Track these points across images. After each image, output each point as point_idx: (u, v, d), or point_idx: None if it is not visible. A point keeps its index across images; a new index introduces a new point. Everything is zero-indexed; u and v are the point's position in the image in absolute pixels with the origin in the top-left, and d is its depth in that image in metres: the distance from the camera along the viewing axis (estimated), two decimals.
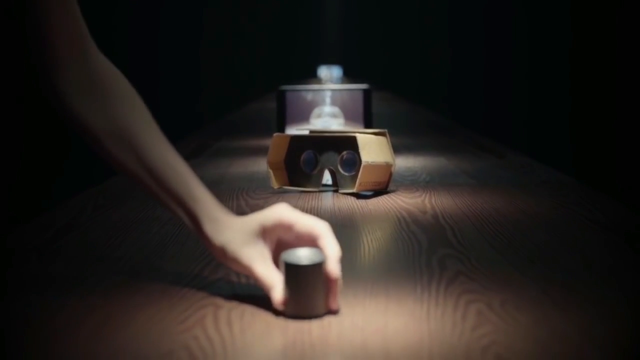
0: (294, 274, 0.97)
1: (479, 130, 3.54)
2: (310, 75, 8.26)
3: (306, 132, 1.95)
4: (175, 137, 3.46)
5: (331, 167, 1.88)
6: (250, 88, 6.78)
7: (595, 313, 1.00)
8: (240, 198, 1.83)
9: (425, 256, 1.29)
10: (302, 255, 0.97)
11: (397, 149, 2.49)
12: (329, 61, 9.43)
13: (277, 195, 1.86)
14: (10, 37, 2.57)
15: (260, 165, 2.36)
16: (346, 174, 1.87)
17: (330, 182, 1.90)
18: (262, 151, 2.58)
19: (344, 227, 1.54)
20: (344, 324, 0.96)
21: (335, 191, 1.88)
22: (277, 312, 1.00)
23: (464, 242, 1.38)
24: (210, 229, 1.08)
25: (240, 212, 1.65)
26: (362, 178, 1.80)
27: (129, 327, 0.96)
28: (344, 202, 1.77)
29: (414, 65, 7.59)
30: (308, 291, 0.97)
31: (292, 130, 2.32)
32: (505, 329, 0.94)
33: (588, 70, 3.63)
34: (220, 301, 1.06)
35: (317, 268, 0.97)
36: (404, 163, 2.37)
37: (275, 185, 1.89)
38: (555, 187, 1.97)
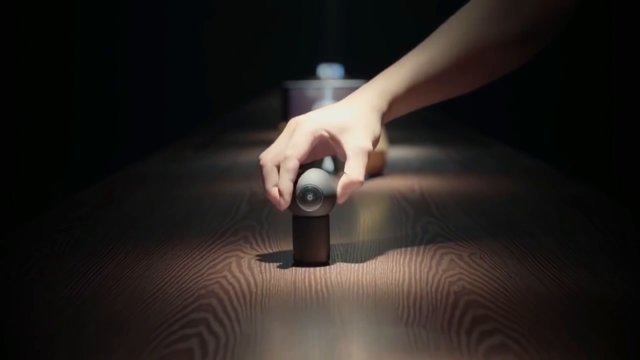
0: (302, 225, 1.20)
1: (473, 127, 3.75)
2: (311, 74, 8.50)
3: None
4: (185, 130, 3.69)
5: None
6: (253, 86, 7.02)
7: (546, 262, 1.24)
8: (252, 181, 2.06)
9: (410, 223, 1.53)
10: (310, 208, 1.20)
11: (393, 141, 2.72)
12: (329, 60, 9.67)
13: None
14: (11, 38, 2.77)
15: None
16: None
17: (331, 166, 2.13)
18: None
19: (342, 207, 1.77)
20: (342, 268, 1.20)
21: (336, 175, 2.11)
22: (287, 261, 1.23)
23: (445, 213, 1.62)
24: None
25: (252, 193, 1.89)
26: None
27: (169, 271, 1.20)
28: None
29: None
30: (314, 240, 1.20)
31: None
32: (470, 271, 1.18)
33: (582, 63, 3.78)
34: (241, 254, 1.30)
35: (322, 220, 1.21)
36: (399, 153, 2.60)
37: None
38: (534, 173, 2.20)
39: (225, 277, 1.17)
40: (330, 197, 1.20)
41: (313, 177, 1.20)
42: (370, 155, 1.25)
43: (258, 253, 1.30)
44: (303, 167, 1.25)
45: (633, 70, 3.33)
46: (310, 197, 1.19)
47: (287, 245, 1.34)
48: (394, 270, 1.19)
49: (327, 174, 1.23)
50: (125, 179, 2.14)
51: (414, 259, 1.26)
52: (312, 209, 1.20)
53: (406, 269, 1.20)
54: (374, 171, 2.10)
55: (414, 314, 1.00)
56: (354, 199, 1.83)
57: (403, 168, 2.27)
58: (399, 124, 3.78)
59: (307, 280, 1.15)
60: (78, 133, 3.43)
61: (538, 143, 4.13)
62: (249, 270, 1.20)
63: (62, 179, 3.23)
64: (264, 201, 1.78)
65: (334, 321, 1.00)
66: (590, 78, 3.71)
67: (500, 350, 0.89)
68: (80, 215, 1.65)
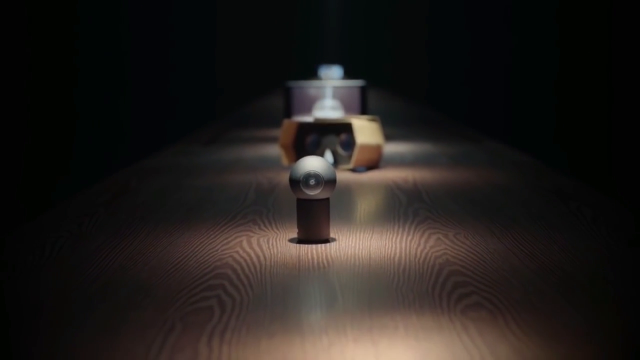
0: (305, 207, 1.36)
1: (472, 127, 3.88)
2: (312, 74, 8.67)
3: (311, 119, 2.33)
4: (192, 128, 3.83)
5: (332, 148, 2.26)
6: (256, 87, 7.17)
7: (522, 241, 1.39)
8: (258, 173, 2.21)
9: (403, 208, 1.68)
10: (313, 191, 1.35)
11: (390, 138, 2.87)
12: (330, 61, 9.86)
13: (287, 171, 2.24)
14: (13, 37, 2.87)
15: (270, 150, 2.74)
16: (344, 153, 2.25)
17: (331, 159, 2.28)
18: (270, 139, 2.96)
19: (341, 196, 1.92)
20: (340, 244, 1.36)
21: (335, 167, 2.26)
22: (292, 239, 1.39)
23: (435, 200, 1.77)
24: None
25: (259, 183, 2.04)
26: (357, 156, 2.19)
27: (189, 246, 1.35)
28: (343, 176, 2.15)
29: (408, 66, 7.99)
30: (316, 220, 1.36)
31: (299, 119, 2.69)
32: (454, 248, 1.33)
33: (581, 61, 3.84)
34: (251, 233, 1.45)
35: (323, 202, 1.36)
36: (395, 148, 2.75)
37: (285, 162, 2.27)
38: (521, 165, 2.36)
39: (237, 252, 1.32)
40: (330, 182, 1.35)
41: (315, 164, 1.35)
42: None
43: (266, 233, 1.46)
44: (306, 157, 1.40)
45: (633, 68, 3.35)
46: (312, 181, 1.34)
47: (292, 227, 1.49)
48: (387, 246, 1.35)
49: (327, 161, 1.38)
50: (139, 171, 2.29)
51: (405, 236, 1.41)
52: (314, 192, 1.35)
53: (397, 245, 1.35)
54: (370, 164, 2.25)
55: (402, 280, 1.16)
56: (352, 188, 1.98)
57: (398, 161, 2.43)
58: (395, 122, 3.90)
59: (310, 254, 1.30)
60: (80, 133, 3.54)
61: (536, 141, 4.23)
62: (258, 247, 1.35)
63: (63, 178, 3.34)
64: (269, 189, 1.93)
65: (333, 286, 1.16)
66: (589, 76, 3.77)
67: (476, 307, 1.04)
68: (102, 202, 1.80)
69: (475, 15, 5.41)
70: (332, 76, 7.88)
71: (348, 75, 8.74)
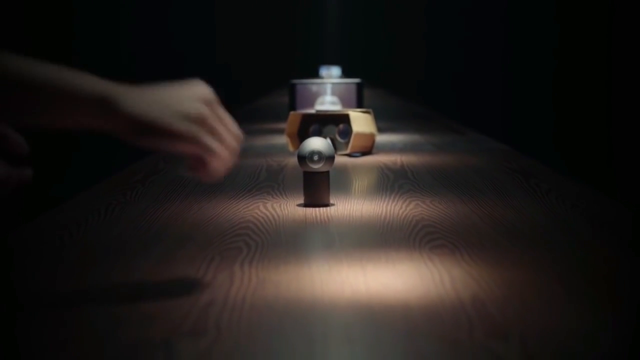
0: (310, 178, 1.69)
1: (471, 126, 4.15)
2: (313, 74, 9.04)
3: (314, 111, 2.68)
4: None
5: (331, 136, 2.60)
6: (262, 85, 7.53)
7: (486, 206, 1.73)
8: (267, 157, 2.54)
9: (390, 183, 2.02)
10: (316, 165, 1.69)
11: (383, 130, 3.21)
12: (329, 62, 10.25)
13: (293, 156, 2.58)
14: (13, 35, 3.10)
15: (277, 139, 3.07)
16: (342, 140, 2.59)
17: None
18: (277, 131, 3.30)
19: (340, 174, 2.26)
20: (338, 208, 1.70)
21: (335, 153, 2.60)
22: (299, 204, 1.73)
23: (418, 177, 2.11)
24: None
25: (269, 165, 2.38)
26: (353, 143, 2.53)
27: (217, 209, 1.69)
28: (341, 160, 2.48)
29: (405, 67, 8.33)
30: (319, 189, 1.69)
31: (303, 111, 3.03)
32: (428, 210, 1.67)
33: (574, 61, 4.00)
34: (265, 200, 1.79)
35: (324, 174, 1.70)
36: (387, 138, 3.08)
37: (290, 149, 2.61)
38: (495, 151, 2.69)
39: (256, 212, 1.66)
40: (330, 158, 1.69)
41: (318, 143, 1.69)
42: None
43: (277, 200, 1.80)
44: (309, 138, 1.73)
45: (633, 66, 3.46)
46: (316, 157, 1.68)
47: (299, 197, 1.82)
48: (376, 209, 1.69)
49: (327, 141, 1.71)
50: (164, 155, 2.62)
51: (390, 203, 1.75)
52: (317, 166, 1.69)
53: (384, 208, 1.69)
54: (365, 150, 2.59)
55: (386, 230, 1.50)
56: (349, 169, 2.32)
57: (389, 148, 2.77)
58: (389, 117, 4.24)
59: (313, 214, 1.64)
60: (80, 135, 3.68)
61: (535, 140, 4.39)
62: (272, 209, 1.69)
63: (63, 180, 3.50)
64: (278, 170, 2.27)
65: (332, 234, 1.50)
66: (588, 73, 3.90)
67: (440, 247, 1.38)
68: (138, 179, 2.14)
69: (472, 16, 5.69)
70: (331, 76, 8.24)
71: (346, 75, 9.12)
